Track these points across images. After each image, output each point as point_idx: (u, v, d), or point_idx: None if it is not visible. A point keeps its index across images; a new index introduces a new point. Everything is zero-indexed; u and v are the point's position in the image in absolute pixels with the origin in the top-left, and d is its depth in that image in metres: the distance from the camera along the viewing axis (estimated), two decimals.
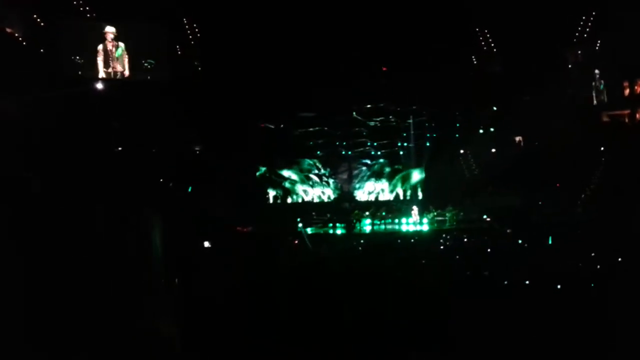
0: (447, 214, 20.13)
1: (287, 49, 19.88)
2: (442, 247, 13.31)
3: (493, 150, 22.73)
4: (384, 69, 23.03)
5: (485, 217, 18.63)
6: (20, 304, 4.02)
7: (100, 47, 18.45)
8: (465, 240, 14.60)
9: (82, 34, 18.43)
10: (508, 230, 16.03)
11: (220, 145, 19.94)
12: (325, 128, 23.13)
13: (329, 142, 23.45)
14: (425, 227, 19.70)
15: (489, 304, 6.86)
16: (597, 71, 22.21)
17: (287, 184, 23.00)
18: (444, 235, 15.77)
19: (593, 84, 22.44)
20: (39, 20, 17.39)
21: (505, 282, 8.63)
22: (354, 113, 23.48)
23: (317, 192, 23.41)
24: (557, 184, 19.67)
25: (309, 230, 18.94)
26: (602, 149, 21.05)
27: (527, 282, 8.52)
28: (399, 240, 15.67)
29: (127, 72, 18.67)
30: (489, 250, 12.37)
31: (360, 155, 23.97)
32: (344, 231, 19.39)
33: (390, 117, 23.89)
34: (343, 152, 23.72)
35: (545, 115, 20.24)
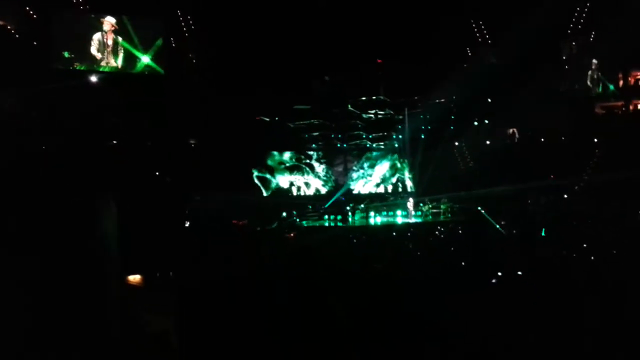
0: (442, 206, 20.18)
1: (282, 41, 19.80)
2: (437, 239, 13.35)
3: (487, 142, 22.79)
4: (379, 61, 23.02)
5: (479, 208, 18.68)
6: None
7: (95, 37, 18.25)
8: (460, 232, 14.64)
9: (75, 27, 18.26)
10: (502, 222, 16.08)
11: (215, 139, 19.90)
12: (321, 121, 23.09)
13: (324, 134, 23.42)
14: (420, 219, 19.75)
15: (482, 295, 6.89)
16: (594, 61, 22.25)
17: (282, 177, 22.97)
18: (438, 227, 15.80)
19: (588, 74, 22.49)
20: (32, 12, 17.25)
21: (499, 274, 8.67)
22: (349, 106, 23.46)
23: (312, 184, 23.41)
24: (551, 175, 19.73)
25: (304, 223, 18.98)
26: (596, 140, 21.14)
27: (520, 273, 8.56)
28: (394, 233, 15.69)
29: (120, 65, 18.53)
30: (483, 241, 12.41)
31: (356, 147, 23.97)
32: (339, 224, 19.42)
33: (385, 109, 23.89)
34: (338, 145, 23.71)
35: (540, 107, 20.29)
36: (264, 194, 22.33)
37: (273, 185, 22.71)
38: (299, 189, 23.13)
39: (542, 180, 19.33)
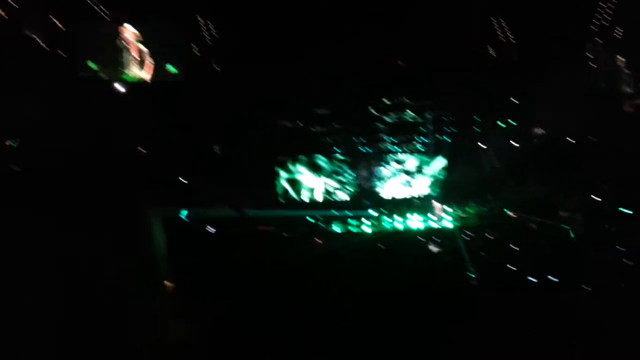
0: (469, 210, 19.90)
1: (303, 45, 19.77)
2: (465, 244, 13.17)
3: (515, 143, 22.38)
4: (401, 63, 22.80)
5: (508, 212, 18.36)
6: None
7: (118, 46, 18.41)
8: (489, 236, 14.43)
9: (99, 37, 18.43)
10: (533, 225, 15.79)
11: (238, 144, 19.95)
12: (343, 125, 22.98)
13: (347, 139, 23.29)
14: (447, 224, 19.49)
15: (515, 299, 6.70)
16: (621, 58, 21.70)
17: (305, 183, 22.91)
18: (467, 232, 15.61)
19: (616, 72, 21.96)
20: (57, 22, 17.48)
21: (531, 278, 8.47)
22: (372, 109, 23.29)
23: (335, 190, 23.27)
24: (582, 176, 19.31)
25: (329, 229, 18.89)
26: (624, 138, 20.61)
27: (553, 278, 8.35)
28: (420, 238, 15.53)
29: (143, 73, 18.62)
30: (513, 246, 12.19)
31: (379, 151, 23.75)
32: (364, 229, 19.28)
33: (409, 112, 23.65)
34: (362, 149, 23.56)
35: (568, 106, 19.86)
36: (290, 199, 22.29)
37: (299, 190, 22.66)
38: (323, 194, 23.01)
39: (573, 181, 18.92)
